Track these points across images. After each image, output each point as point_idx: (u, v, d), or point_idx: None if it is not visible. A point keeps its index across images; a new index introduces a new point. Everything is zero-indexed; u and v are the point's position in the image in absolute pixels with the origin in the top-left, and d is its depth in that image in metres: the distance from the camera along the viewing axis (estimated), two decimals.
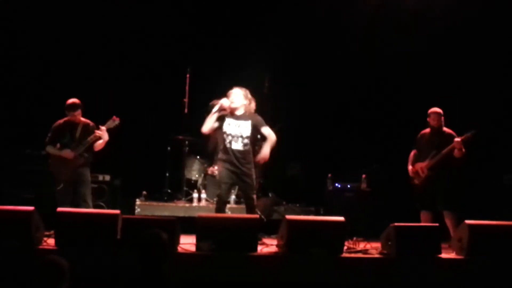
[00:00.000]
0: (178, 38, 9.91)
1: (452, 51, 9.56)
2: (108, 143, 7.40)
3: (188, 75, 9.38)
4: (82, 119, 7.38)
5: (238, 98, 7.02)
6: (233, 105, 6.98)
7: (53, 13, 9.36)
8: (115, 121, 7.33)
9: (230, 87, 9.41)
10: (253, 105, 7.09)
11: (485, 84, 9.38)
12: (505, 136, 9.14)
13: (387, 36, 9.87)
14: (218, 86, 9.74)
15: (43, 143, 7.42)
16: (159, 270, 4.13)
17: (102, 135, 7.26)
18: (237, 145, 6.93)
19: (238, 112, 7.01)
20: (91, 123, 7.41)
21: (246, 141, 6.95)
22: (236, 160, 6.90)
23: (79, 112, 7.28)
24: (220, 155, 7.03)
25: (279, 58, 9.89)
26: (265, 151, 6.92)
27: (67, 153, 7.21)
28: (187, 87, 9.37)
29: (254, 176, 7.02)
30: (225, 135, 6.96)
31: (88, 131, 7.35)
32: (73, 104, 7.25)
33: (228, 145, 6.94)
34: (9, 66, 9.33)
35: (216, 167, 7.55)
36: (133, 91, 9.69)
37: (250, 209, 7.05)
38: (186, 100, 9.35)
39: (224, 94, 9.44)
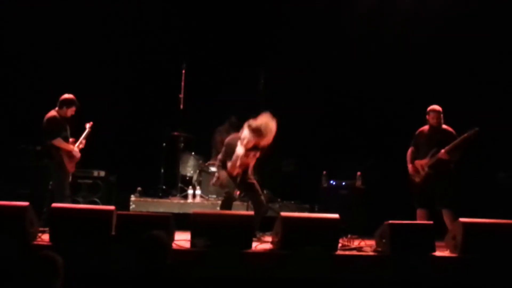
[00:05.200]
0: (174, 34, 9.89)
1: (449, 49, 9.57)
2: (103, 139, 7.48)
3: (183, 71, 9.36)
4: None
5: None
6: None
7: (49, 8, 9.33)
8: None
9: (226, 84, 9.52)
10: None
11: (479, 83, 9.39)
12: (499, 134, 9.16)
13: (384, 33, 9.88)
14: (213, 82, 9.81)
15: (39, 138, 7.42)
16: (160, 269, 4.15)
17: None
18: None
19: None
20: None
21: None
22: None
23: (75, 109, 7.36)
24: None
25: (274, 55, 9.88)
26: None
27: (77, 153, 7.37)
28: (182, 83, 9.36)
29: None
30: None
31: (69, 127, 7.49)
32: (75, 100, 7.33)
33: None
34: (1, 61, 9.28)
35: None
36: (128, 87, 9.67)
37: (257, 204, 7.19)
38: (181, 96, 9.34)
39: (218, 90, 9.56)
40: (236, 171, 6.99)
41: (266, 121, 6.78)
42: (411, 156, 7.68)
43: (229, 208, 7.19)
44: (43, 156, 7.50)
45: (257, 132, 6.74)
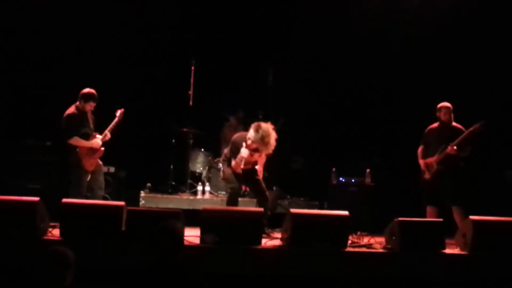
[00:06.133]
0: (183, 30, 9.90)
1: (455, 47, 9.55)
2: (113, 135, 7.47)
3: (193, 68, 9.37)
4: None
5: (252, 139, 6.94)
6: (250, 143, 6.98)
7: (56, 3, 9.35)
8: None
9: (235, 81, 9.53)
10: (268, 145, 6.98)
11: (487, 80, 9.37)
12: (508, 132, 9.13)
13: (391, 31, 9.86)
14: (222, 79, 9.81)
15: (50, 133, 7.41)
16: (172, 262, 4.16)
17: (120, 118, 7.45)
18: (247, 166, 7.14)
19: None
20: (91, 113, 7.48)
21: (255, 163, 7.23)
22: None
23: (95, 104, 7.30)
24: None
25: (283, 51, 9.87)
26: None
27: (97, 143, 7.25)
28: (192, 80, 9.37)
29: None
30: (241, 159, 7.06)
31: (93, 120, 7.42)
32: (95, 94, 7.26)
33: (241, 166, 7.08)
34: (10, 56, 9.31)
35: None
36: (138, 84, 9.68)
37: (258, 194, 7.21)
38: (191, 92, 9.36)
39: (227, 87, 9.57)
40: (240, 170, 7.03)
41: (270, 130, 6.84)
42: (422, 153, 7.68)
43: (235, 203, 7.15)
44: (64, 152, 7.40)
45: (261, 136, 6.78)
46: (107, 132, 7.38)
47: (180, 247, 4.25)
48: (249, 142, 6.89)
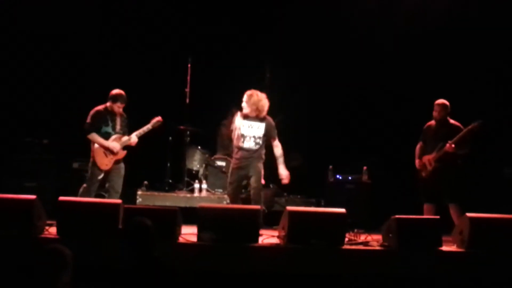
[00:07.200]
0: (180, 28, 9.88)
1: (453, 44, 9.55)
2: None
3: (189, 65, 9.36)
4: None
5: (245, 103, 7.33)
6: (244, 110, 7.33)
7: (50, 2, 9.33)
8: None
9: (231, 78, 9.51)
10: (261, 106, 7.31)
11: (485, 77, 9.37)
12: (506, 129, 9.14)
13: (389, 29, 9.86)
14: (219, 77, 9.80)
15: (48, 132, 7.35)
16: (151, 258, 4.18)
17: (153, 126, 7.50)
18: (249, 144, 7.27)
19: (250, 115, 7.30)
20: (124, 114, 7.45)
21: (258, 140, 7.29)
22: (248, 157, 7.28)
23: (123, 105, 7.29)
24: (234, 153, 7.37)
25: (280, 49, 9.86)
26: (284, 171, 7.41)
27: (114, 146, 7.23)
28: (188, 77, 9.36)
29: (262, 172, 7.35)
30: (240, 136, 7.29)
31: (125, 122, 7.42)
32: (123, 95, 7.26)
33: (241, 145, 7.27)
34: (10, 54, 9.29)
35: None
36: (134, 81, 9.65)
37: (255, 201, 7.22)
38: (187, 90, 9.35)
39: (224, 85, 9.56)
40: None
41: (262, 94, 7.37)
42: (420, 151, 7.66)
43: (238, 192, 7.35)
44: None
45: (255, 99, 7.26)
46: (133, 136, 7.37)
47: (153, 242, 4.28)
48: (245, 107, 7.25)
